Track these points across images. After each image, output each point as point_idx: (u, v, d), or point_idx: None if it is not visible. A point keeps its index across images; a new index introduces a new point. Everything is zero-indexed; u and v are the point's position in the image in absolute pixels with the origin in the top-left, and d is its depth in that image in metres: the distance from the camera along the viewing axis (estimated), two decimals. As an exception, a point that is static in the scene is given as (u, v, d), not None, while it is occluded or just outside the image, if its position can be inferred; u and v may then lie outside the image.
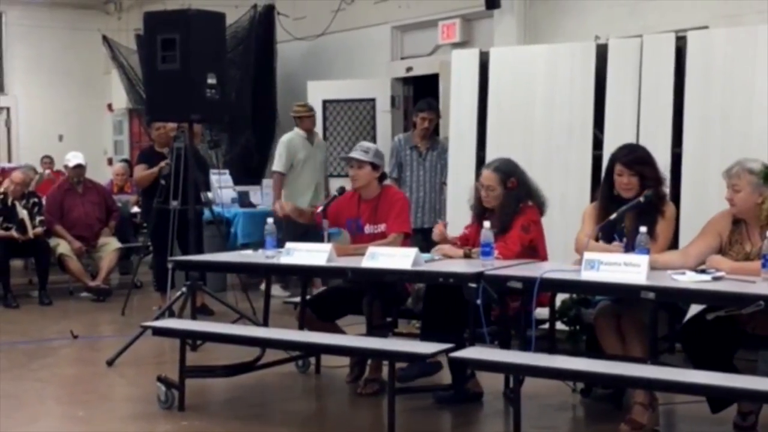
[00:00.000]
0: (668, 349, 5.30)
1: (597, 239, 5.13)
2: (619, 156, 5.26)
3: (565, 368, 4.76)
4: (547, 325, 5.50)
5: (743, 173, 4.84)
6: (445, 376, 5.49)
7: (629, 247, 4.97)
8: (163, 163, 8.40)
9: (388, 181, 6.43)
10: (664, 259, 4.90)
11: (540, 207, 5.61)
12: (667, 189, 5.43)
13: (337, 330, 6.01)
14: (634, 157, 5.22)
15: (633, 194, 5.16)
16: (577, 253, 5.12)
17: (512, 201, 5.53)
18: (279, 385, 6.16)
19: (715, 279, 4.54)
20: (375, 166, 5.94)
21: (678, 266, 4.78)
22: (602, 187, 5.36)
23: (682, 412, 5.33)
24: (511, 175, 5.57)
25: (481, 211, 5.62)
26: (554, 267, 4.94)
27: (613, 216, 5.00)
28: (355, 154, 5.97)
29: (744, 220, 4.91)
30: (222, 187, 9.66)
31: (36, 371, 6.65)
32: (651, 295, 4.46)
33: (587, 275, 4.64)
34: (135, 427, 5.44)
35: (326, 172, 9.73)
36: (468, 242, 5.64)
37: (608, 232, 5.18)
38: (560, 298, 5.74)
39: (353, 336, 5.74)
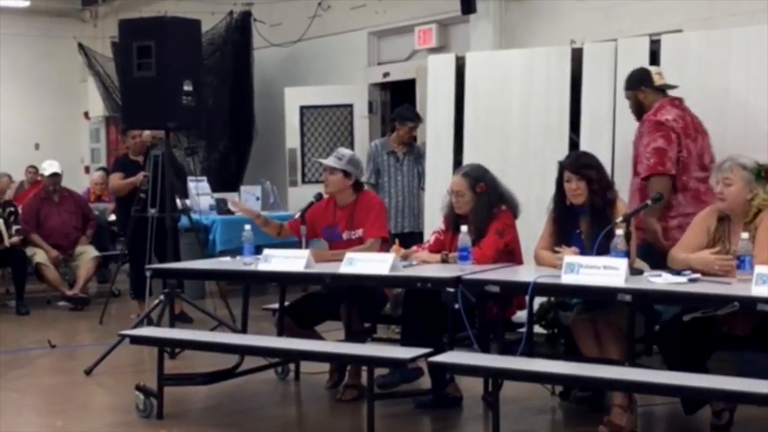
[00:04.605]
0: (645, 351, 5.33)
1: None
2: (566, 163, 5.33)
3: (544, 371, 4.79)
4: (525, 329, 5.50)
5: (736, 168, 4.87)
6: (425, 381, 5.49)
7: (587, 252, 5.00)
8: (141, 175, 8.36)
9: (365, 188, 6.42)
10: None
11: (513, 210, 5.63)
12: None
13: (316, 336, 6.00)
14: (581, 162, 5.28)
15: (582, 200, 5.21)
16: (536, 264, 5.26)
17: (484, 206, 5.54)
18: (258, 392, 6.15)
19: (691, 281, 4.58)
20: (347, 174, 5.94)
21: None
22: (554, 198, 5.39)
23: (661, 414, 5.37)
24: (479, 179, 5.58)
25: (454, 218, 5.63)
26: (540, 273, 4.98)
27: (620, 219, 4.99)
28: (328, 160, 6.00)
29: (728, 218, 4.93)
30: (200, 194, 9.63)
31: (13, 381, 6.61)
32: (627, 297, 4.49)
33: (567, 278, 4.66)
34: (113, 436, 5.42)
35: None
36: (444, 248, 5.64)
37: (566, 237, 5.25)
38: (538, 301, 5.76)
39: (332, 342, 5.74)
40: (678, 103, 6.07)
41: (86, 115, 16.17)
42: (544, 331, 6.15)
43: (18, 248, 9.56)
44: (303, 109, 11.44)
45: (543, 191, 6.73)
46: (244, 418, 5.62)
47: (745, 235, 4.54)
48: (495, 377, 4.74)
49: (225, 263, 6.20)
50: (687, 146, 5.89)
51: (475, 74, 7.39)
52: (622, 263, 4.58)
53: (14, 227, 9.59)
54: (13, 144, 15.30)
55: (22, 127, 15.66)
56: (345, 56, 11.51)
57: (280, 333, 6.01)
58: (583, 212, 5.26)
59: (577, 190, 5.22)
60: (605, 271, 4.58)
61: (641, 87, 6.10)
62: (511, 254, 5.54)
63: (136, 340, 5.90)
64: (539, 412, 5.60)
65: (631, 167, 6.17)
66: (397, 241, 5.84)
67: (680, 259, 4.87)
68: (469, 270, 5.09)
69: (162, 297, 6.94)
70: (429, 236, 6.04)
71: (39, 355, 7.56)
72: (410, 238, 7.24)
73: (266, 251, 5.59)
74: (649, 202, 5.26)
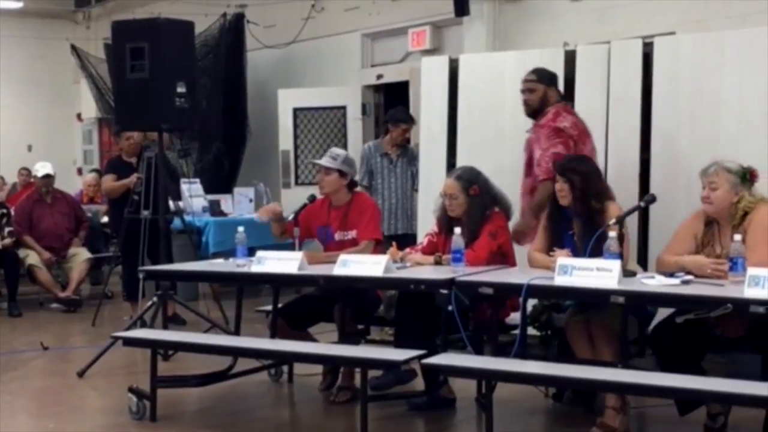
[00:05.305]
0: (638, 353, 5.33)
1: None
2: (557, 164, 5.41)
3: (537, 373, 4.81)
4: (518, 330, 5.51)
5: (721, 171, 4.90)
6: (418, 383, 5.49)
7: (580, 254, 5.01)
8: (134, 177, 8.34)
9: (358, 189, 6.42)
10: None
11: (506, 212, 5.64)
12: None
13: (309, 338, 6.00)
14: (567, 165, 5.33)
15: (567, 201, 5.24)
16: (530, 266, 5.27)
17: (478, 208, 5.54)
18: (251, 394, 6.14)
19: (684, 282, 4.58)
20: (342, 173, 5.95)
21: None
22: (550, 198, 5.42)
23: (654, 416, 5.37)
24: (473, 182, 5.58)
25: (447, 221, 5.63)
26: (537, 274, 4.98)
27: (612, 221, 4.98)
28: (322, 160, 6.00)
29: (716, 221, 4.95)
30: (193, 196, 9.61)
31: (6, 383, 6.59)
32: (621, 299, 4.49)
33: (560, 280, 4.66)
34: (106, 438, 5.41)
35: None
36: (437, 250, 5.64)
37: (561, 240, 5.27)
38: (531, 303, 5.76)
39: (325, 344, 5.74)
40: (570, 109, 6.19)
41: (79, 116, 16.14)
42: (538, 333, 6.14)
43: (10, 250, 9.54)
44: (296, 111, 11.43)
45: (536, 193, 6.76)
46: (237, 420, 5.62)
47: (738, 236, 4.55)
48: (488, 379, 4.75)
49: (218, 265, 6.20)
50: (581, 152, 5.97)
51: (468, 76, 7.40)
52: (615, 265, 4.58)
53: (7, 229, 9.58)
54: (6, 146, 15.26)
55: (15, 128, 15.62)
56: (338, 58, 11.51)
57: (274, 335, 5.99)
58: (575, 214, 5.27)
59: (561, 191, 5.26)
60: (598, 273, 4.59)
61: (552, 86, 6.17)
62: (504, 256, 5.54)
63: (129, 342, 5.90)
64: (532, 414, 5.61)
65: (523, 169, 6.23)
66: (394, 243, 5.84)
67: (672, 261, 4.88)
68: (462, 272, 5.09)
69: (155, 299, 6.93)
70: (422, 238, 6.04)
71: (31, 357, 7.54)
72: (403, 240, 7.23)
73: (259, 253, 5.59)
74: (642, 204, 5.27)
